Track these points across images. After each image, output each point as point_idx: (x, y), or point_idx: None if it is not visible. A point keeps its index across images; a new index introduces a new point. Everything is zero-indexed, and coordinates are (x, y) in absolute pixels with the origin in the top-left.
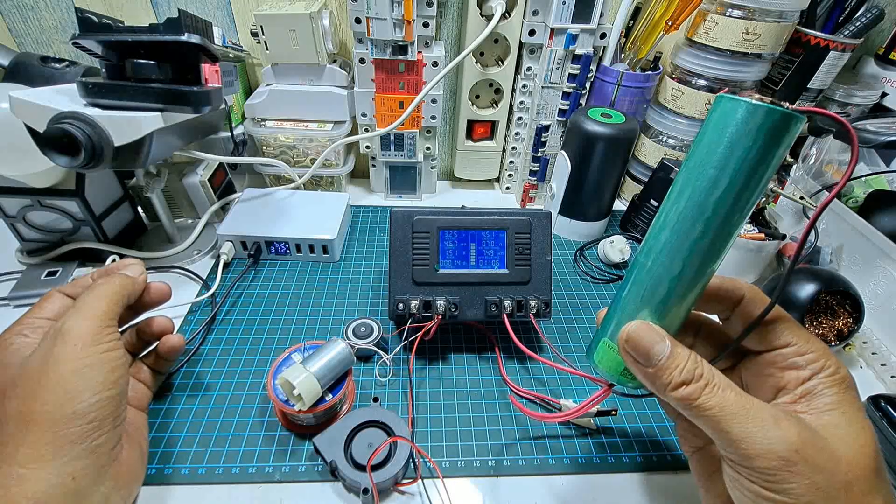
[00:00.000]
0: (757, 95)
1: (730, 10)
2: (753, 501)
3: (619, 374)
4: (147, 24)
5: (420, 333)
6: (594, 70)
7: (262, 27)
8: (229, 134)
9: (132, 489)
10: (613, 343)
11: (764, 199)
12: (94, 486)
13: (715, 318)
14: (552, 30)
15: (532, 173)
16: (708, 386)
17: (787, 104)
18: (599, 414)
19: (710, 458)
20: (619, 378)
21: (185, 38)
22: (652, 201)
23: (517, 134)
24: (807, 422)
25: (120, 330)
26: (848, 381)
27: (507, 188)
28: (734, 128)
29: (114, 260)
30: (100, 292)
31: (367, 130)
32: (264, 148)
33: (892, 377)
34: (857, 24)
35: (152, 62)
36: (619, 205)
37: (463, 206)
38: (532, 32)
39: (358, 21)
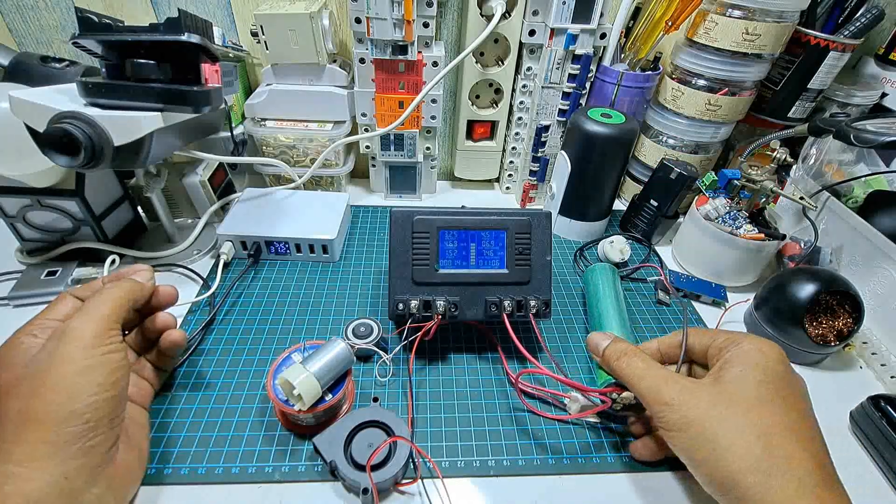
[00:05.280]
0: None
1: (730, 10)
2: (663, 438)
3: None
4: (147, 24)
5: (420, 333)
6: (594, 70)
7: (262, 27)
8: (229, 134)
9: (128, 490)
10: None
11: (764, 199)
12: (87, 487)
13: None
14: (552, 30)
15: (532, 173)
16: (624, 356)
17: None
18: None
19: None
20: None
21: (185, 37)
22: (652, 201)
23: (517, 134)
24: (703, 381)
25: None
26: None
27: (507, 188)
28: (597, 274)
29: (114, 261)
30: (106, 296)
31: (367, 130)
32: (264, 148)
33: (891, 377)
34: (857, 24)
35: (152, 62)
36: (619, 205)
37: (463, 206)
38: (532, 32)
39: (358, 21)
